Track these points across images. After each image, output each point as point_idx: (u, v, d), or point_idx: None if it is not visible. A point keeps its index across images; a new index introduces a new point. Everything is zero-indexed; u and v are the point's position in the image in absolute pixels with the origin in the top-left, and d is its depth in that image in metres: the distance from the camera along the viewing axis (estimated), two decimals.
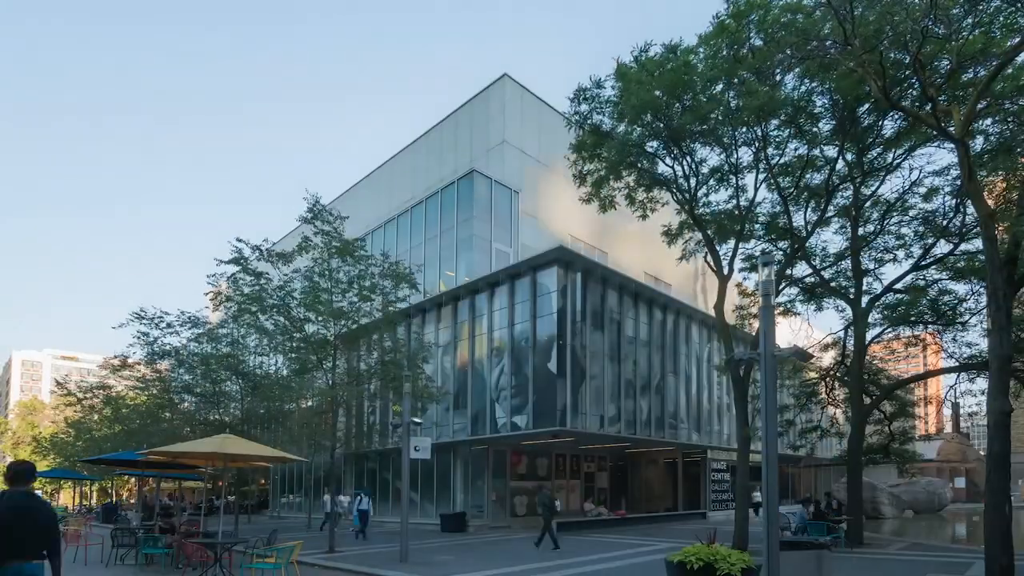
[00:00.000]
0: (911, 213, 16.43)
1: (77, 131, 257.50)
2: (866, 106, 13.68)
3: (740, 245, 15.80)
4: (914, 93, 12.92)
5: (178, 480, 21.05)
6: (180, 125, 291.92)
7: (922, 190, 15.76)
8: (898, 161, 15.25)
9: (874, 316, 17.80)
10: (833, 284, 17.84)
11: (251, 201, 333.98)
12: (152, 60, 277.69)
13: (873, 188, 16.22)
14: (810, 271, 17.67)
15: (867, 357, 18.56)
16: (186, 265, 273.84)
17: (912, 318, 17.81)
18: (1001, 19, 11.19)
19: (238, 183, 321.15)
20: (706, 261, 15.83)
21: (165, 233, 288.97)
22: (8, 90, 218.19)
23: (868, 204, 16.45)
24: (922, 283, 17.27)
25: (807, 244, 16.16)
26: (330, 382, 16.64)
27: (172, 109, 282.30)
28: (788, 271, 16.76)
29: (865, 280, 17.16)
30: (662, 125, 13.56)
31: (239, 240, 16.40)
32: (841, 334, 18.87)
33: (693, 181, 14.79)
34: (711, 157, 15.02)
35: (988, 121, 13.13)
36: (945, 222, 15.53)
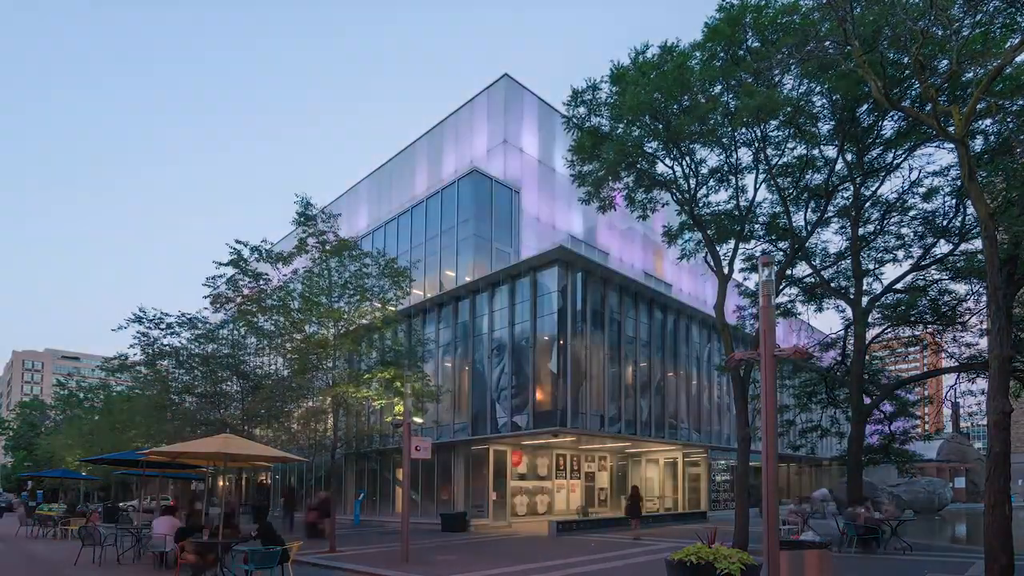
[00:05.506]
0: (911, 213, 16.43)
1: (85, 126, 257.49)
2: (865, 106, 13.69)
3: (740, 245, 15.79)
4: (914, 93, 12.92)
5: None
6: (180, 125, 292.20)
7: (922, 190, 15.77)
8: (898, 161, 15.25)
9: (874, 316, 17.80)
10: (833, 284, 17.84)
11: (252, 203, 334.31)
12: (153, 66, 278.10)
13: (873, 188, 16.22)
14: (810, 271, 17.68)
15: (867, 357, 18.55)
16: (188, 265, 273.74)
17: (912, 318, 17.82)
18: (1001, 19, 11.20)
19: (238, 185, 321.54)
20: (706, 261, 15.83)
21: (166, 233, 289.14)
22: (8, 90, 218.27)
23: (868, 204, 16.45)
24: (922, 283, 17.28)
25: (807, 244, 16.16)
26: (330, 382, 16.64)
27: (173, 110, 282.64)
28: (788, 271, 16.76)
29: (865, 280, 17.16)
30: (661, 126, 13.54)
31: (238, 242, 16.41)
32: (841, 334, 18.87)
33: (693, 181, 14.78)
34: (710, 157, 15.01)
35: (988, 121, 13.13)
36: (945, 222, 15.54)
